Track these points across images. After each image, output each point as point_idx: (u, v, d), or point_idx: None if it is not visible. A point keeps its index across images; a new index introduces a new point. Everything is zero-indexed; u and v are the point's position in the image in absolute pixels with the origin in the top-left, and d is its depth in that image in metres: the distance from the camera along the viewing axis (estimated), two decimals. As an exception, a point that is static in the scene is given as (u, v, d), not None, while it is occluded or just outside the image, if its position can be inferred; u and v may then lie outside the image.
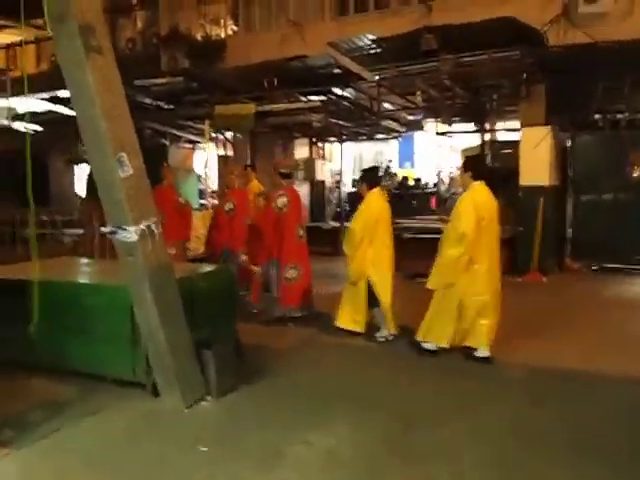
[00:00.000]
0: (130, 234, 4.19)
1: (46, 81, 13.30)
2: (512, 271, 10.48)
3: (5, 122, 14.22)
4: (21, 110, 13.30)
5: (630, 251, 10.72)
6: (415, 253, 9.88)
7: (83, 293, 4.89)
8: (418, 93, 11.31)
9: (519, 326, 6.67)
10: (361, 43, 10.47)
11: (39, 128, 14.89)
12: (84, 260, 7.06)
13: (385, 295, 6.21)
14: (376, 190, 6.40)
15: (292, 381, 5.12)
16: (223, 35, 14.12)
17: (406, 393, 4.89)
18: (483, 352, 5.55)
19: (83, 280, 5.18)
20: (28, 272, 5.04)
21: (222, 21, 14.33)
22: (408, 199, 14.47)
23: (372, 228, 6.16)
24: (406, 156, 18.27)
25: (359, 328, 6.38)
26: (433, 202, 14.73)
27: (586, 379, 5.13)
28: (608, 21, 9.88)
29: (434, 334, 5.64)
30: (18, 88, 12.88)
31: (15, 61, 17.41)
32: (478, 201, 5.37)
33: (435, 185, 15.56)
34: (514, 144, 12.00)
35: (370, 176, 6.66)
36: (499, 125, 13.61)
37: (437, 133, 13.65)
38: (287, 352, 6.02)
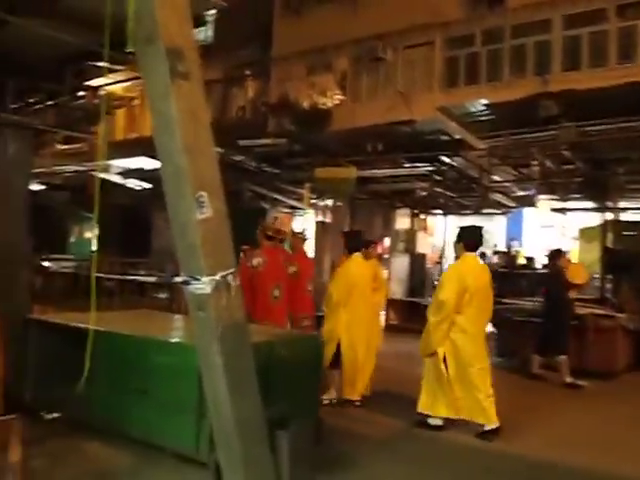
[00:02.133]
0: (203, 285, 3.62)
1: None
2: (637, 366, 9.10)
3: (118, 179, 14.75)
4: (133, 167, 13.71)
5: None
6: (527, 338, 8.83)
7: (147, 349, 4.36)
8: (533, 163, 10.45)
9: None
10: (473, 109, 9.90)
11: (147, 185, 15.28)
12: (166, 314, 6.61)
13: (349, 360, 6.10)
14: (356, 255, 6.39)
15: (379, 478, 4.24)
16: (330, 104, 14.06)
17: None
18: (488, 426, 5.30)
19: (149, 334, 4.66)
20: (94, 320, 4.63)
21: (329, 92, 14.33)
22: (517, 279, 13.26)
23: (347, 293, 6.16)
24: (514, 235, 17.13)
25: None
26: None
27: None
28: None
29: (431, 406, 5.45)
30: (136, 150, 13.38)
31: (133, 124, 18.33)
32: (465, 272, 5.40)
33: (546, 266, 14.21)
34: (641, 225, 10.82)
35: (352, 241, 6.62)
36: (623, 204, 12.36)
37: (552, 209, 12.57)
38: (377, 441, 5.14)
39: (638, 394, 7.95)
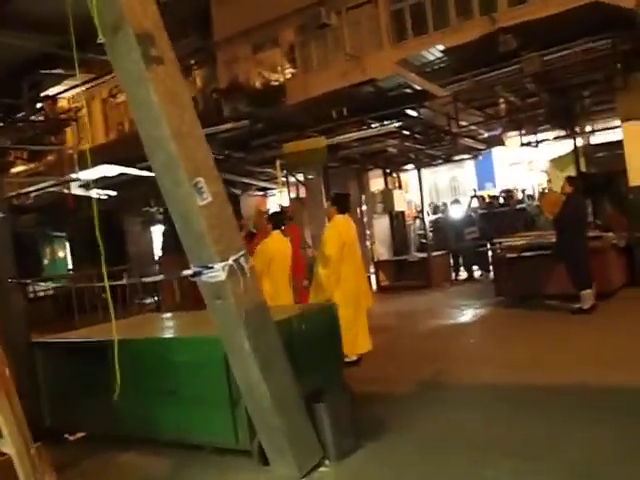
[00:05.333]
0: (217, 272, 3.50)
1: (115, 148, 13.33)
2: (632, 283, 9.25)
3: (79, 192, 14.34)
4: (93, 177, 13.31)
5: None
6: (520, 273, 8.93)
7: (167, 349, 4.24)
8: (501, 101, 10.41)
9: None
10: (431, 57, 9.78)
11: (113, 192, 14.91)
12: (167, 314, 6.49)
13: None
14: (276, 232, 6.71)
15: (424, 434, 4.20)
16: (282, 79, 13.80)
17: (566, 442, 3.85)
18: (350, 358, 6.19)
19: (166, 335, 4.54)
20: (106, 333, 4.49)
21: (279, 67, 14.06)
22: (497, 219, 13.34)
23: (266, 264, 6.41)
24: (486, 177, 17.25)
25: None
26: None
27: None
28: None
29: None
30: (87, 161, 12.98)
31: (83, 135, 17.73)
32: (340, 229, 6.47)
33: (521, 202, 14.26)
34: (612, 145, 10.90)
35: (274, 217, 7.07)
36: (591, 127, 12.45)
37: (522, 144, 12.58)
38: (405, 399, 5.10)
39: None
